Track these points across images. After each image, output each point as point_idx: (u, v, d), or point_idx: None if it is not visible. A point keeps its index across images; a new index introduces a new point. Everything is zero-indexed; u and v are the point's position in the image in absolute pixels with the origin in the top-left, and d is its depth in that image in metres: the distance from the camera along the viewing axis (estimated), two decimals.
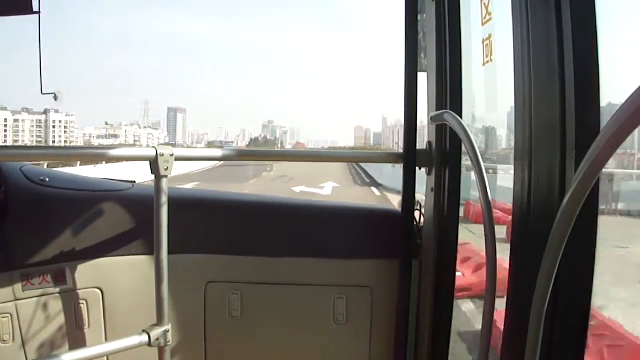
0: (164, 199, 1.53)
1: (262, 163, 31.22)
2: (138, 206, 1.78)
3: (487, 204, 1.22)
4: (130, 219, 1.78)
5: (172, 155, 1.53)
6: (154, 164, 1.52)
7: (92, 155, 1.60)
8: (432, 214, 1.67)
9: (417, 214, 1.77)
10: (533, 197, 1.18)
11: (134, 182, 1.94)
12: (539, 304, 0.93)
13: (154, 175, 1.54)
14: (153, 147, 1.54)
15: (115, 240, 1.76)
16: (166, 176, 1.53)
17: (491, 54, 1.43)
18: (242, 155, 1.84)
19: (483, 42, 1.45)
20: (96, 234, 1.74)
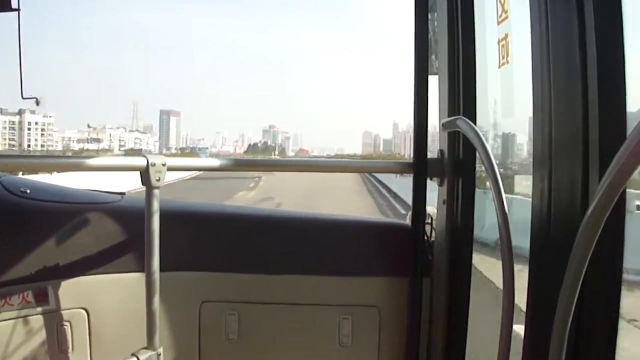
0: (156, 212, 1.54)
1: (248, 175, 28.67)
2: (127, 220, 1.78)
3: (504, 217, 1.21)
4: (119, 234, 1.77)
5: (164, 164, 1.55)
6: (144, 174, 1.54)
7: (77, 165, 1.60)
8: (444, 227, 1.66)
9: (427, 227, 1.77)
10: (553, 208, 1.17)
11: (123, 193, 1.94)
12: (561, 323, 0.92)
13: (144, 187, 1.56)
14: (144, 156, 1.56)
15: (102, 257, 1.75)
16: (158, 187, 1.55)
17: (507, 55, 1.43)
18: (238, 165, 1.85)
19: (499, 42, 1.45)
20: (82, 249, 1.74)
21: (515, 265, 1.19)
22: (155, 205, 1.54)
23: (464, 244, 1.65)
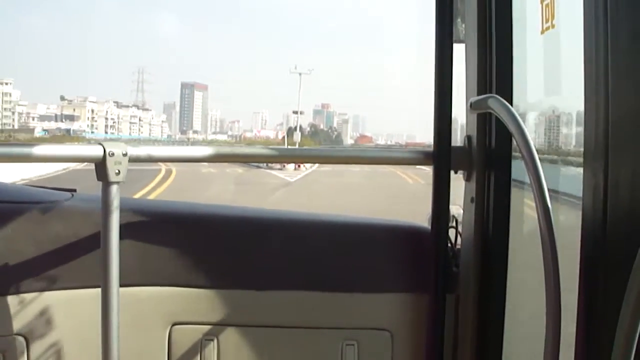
0: (115, 212, 1.55)
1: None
2: (79, 223, 1.76)
3: (546, 217, 1.19)
4: (68, 240, 1.76)
5: (125, 154, 1.55)
6: (100, 166, 1.53)
7: (15, 156, 1.58)
8: (473, 232, 1.66)
9: (452, 232, 1.77)
10: (610, 210, 1.14)
11: (74, 190, 1.93)
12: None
13: (100, 182, 1.55)
14: (100, 144, 1.56)
15: (46, 269, 1.73)
16: (117, 182, 1.55)
17: (553, 18, 1.42)
18: (219, 156, 1.85)
19: (542, 0, 1.44)
20: (20, 260, 1.72)
21: None
22: (114, 205, 1.54)
23: (498, 252, 1.64)
